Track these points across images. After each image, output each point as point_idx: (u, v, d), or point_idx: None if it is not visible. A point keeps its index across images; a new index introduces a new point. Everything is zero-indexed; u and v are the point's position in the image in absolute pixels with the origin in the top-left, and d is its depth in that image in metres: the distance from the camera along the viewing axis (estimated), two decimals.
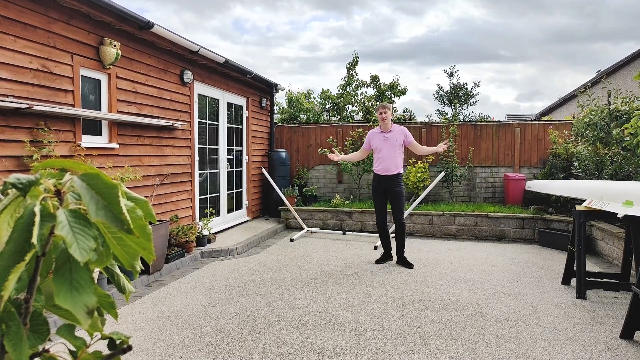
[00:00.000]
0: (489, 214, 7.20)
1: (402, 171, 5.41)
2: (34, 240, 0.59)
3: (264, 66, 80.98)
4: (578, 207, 4.37)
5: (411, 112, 11.62)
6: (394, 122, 5.85)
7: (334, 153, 5.78)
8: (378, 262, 5.45)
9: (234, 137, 7.79)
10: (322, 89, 11.14)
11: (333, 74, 68.93)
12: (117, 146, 4.88)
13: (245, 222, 8.01)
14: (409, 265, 5.24)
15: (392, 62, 61.83)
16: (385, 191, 5.40)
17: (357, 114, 11.15)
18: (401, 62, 62.54)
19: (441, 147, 5.33)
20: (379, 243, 6.49)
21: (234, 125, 7.75)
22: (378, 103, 10.84)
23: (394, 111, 11.34)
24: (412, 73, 65.43)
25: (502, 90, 60.77)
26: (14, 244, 0.61)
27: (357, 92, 10.93)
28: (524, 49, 58.91)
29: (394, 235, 5.51)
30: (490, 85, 58.22)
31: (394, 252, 5.65)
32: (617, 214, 3.96)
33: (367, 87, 11.01)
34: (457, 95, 21.85)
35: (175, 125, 5.69)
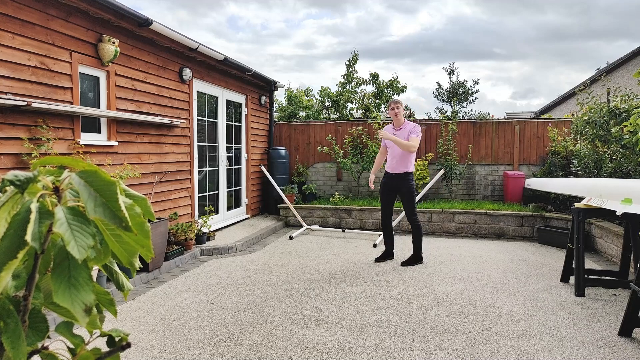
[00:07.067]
0: (488, 211, 7.21)
1: (411, 170, 5.24)
2: (28, 237, 0.59)
3: (259, 64, 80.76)
4: (577, 205, 4.38)
5: (410, 109, 11.65)
6: (407, 119, 5.74)
7: (372, 182, 5.58)
8: (378, 260, 5.44)
9: (233, 134, 7.78)
10: (322, 87, 11.13)
11: (329, 72, 68.67)
12: (116, 144, 4.88)
13: (244, 219, 8.01)
14: (408, 263, 5.23)
15: (388, 60, 61.67)
16: (392, 190, 5.32)
17: (357, 111, 11.15)
18: (397, 60, 62.37)
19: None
20: (378, 241, 6.50)
21: (233, 123, 7.74)
22: (377, 100, 10.85)
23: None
24: (408, 71, 65.29)
25: (497, 88, 60.78)
26: (9, 241, 0.60)
27: (356, 89, 10.93)
28: (518, 47, 58.81)
29: (394, 233, 5.48)
30: (486, 83, 58.23)
31: (396, 251, 5.65)
32: (616, 211, 3.96)
33: (366, 85, 11.01)
34: (457, 93, 21.85)
35: (175, 122, 5.68)
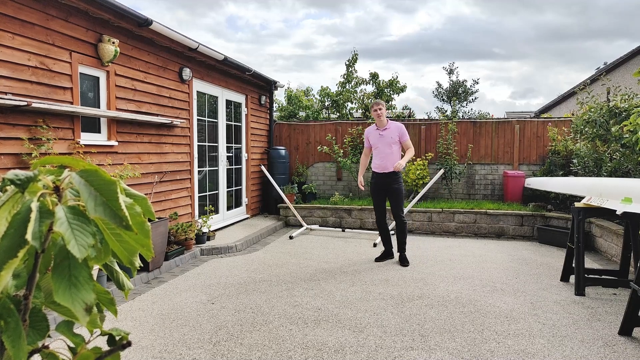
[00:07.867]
0: (488, 211, 7.21)
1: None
2: (28, 236, 0.59)
3: (258, 63, 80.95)
4: (577, 204, 4.38)
5: (410, 109, 11.65)
6: (391, 119, 5.82)
7: (362, 184, 5.68)
8: (378, 260, 5.45)
9: (233, 134, 7.78)
10: (322, 87, 11.14)
11: (328, 72, 68.71)
12: (116, 144, 4.88)
13: (244, 219, 8.01)
14: (405, 264, 5.24)
15: (387, 60, 61.80)
16: (383, 189, 5.37)
17: (357, 111, 11.15)
18: (396, 60, 62.52)
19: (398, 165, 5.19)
20: (378, 240, 6.50)
21: (233, 123, 7.74)
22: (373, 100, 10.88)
23: (394, 109, 11.35)
24: (407, 71, 65.46)
25: (497, 87, 60.91)
26: (9, 240, 0.61)
27: (356, 89, 10.93)
28: (518, 47, 58.92)
29: (394, 232, 5.48)
30: (485, 83, 58.34)
31: (394, 249, 5.65)
32: (615, 210, 3.96)
33: (366, 85, 11.01)
34: (456, 93, 21.86)
35: (175, 122, 5.68)
